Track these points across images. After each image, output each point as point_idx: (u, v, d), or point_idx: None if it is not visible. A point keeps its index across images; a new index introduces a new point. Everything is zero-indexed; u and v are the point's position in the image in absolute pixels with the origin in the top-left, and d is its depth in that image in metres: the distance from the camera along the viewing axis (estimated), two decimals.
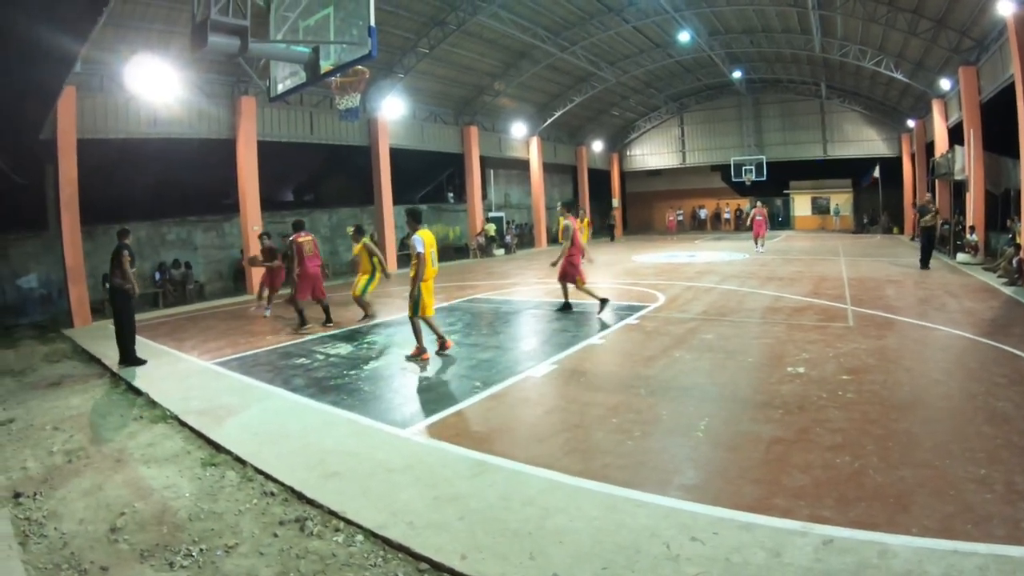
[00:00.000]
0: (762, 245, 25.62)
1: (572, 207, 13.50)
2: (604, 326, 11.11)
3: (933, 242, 17.52)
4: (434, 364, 9.00)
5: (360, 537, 4.26)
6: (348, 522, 4.45)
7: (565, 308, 12.84)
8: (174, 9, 15.89)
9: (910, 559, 3.56)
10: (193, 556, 4.17)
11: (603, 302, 12.17)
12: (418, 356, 9.34)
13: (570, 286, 12.79)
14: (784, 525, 3.98)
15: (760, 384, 7.18)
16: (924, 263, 17.80)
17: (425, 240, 9.10)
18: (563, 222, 12.64)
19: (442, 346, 9.61)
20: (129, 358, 10.10)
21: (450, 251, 31.58)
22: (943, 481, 4.48)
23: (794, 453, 5.12)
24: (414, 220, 9.33)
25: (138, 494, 5.24)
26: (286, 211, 26.55)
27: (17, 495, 5.35)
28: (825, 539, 3.78)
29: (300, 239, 12.51)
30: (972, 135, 20.26)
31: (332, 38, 8.24)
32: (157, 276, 20.06)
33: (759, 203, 26.78)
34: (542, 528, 4.13)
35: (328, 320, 12.64)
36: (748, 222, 26.60)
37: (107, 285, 10.70)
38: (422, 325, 9.36)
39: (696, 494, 4.50)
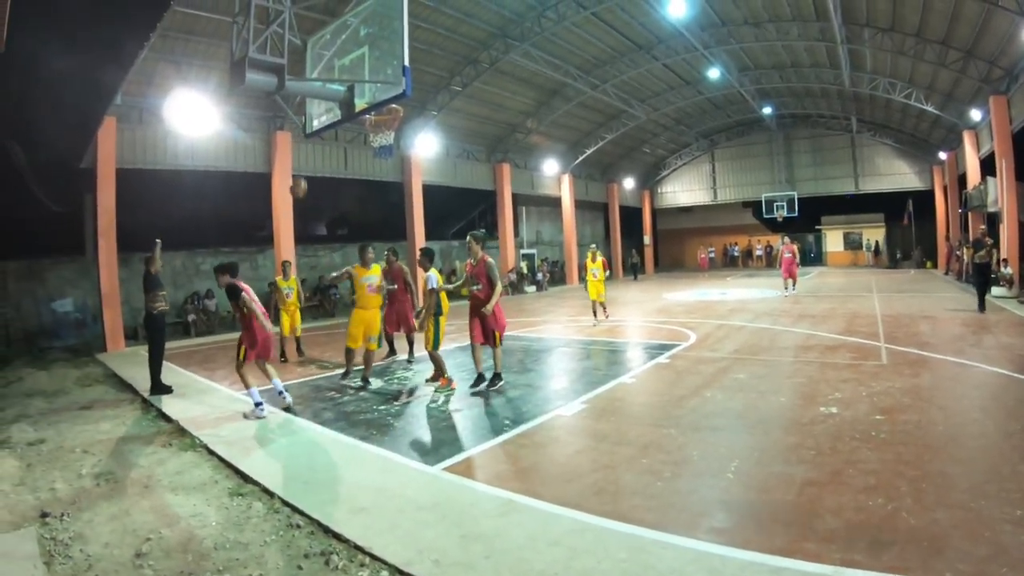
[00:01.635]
0: (793, 287, 23.50)
1: (482, 239, 9.74)
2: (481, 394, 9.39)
3: (988, 280, 16.63)
4: (464, 401, 8.98)
5: (385, 573, 4.23)
6: (373, 558, 4.41)
7: (495, 379, 9.64)
8: (212, 45, 16.31)
9: None
10: None
11: (479, 378, 9.54)
12: (447, 385, 9.65)
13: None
14: (815, 570, 3.88)
15: (792, 424, 7.06)
16: (982, 305, 15.74)
17: (438, 278, 9.81)
18: (483, 257, 9.49)
19: (435, 378, 10.02)
20: (154, 386, 10.28)
21: None
22: (978, 523, 4.37)
23: (826, 495, 5.01)
24: (428, 260, 9.99)
25: (164, 520, 5.27)
26: (319, 245, 26.90)
27: (44, 515, 5.41)
28: None
29: None
30: (1004, 166, 20.07)
31: (367, 77, 8.39)
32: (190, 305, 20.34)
33: (787, 239, 24.24)
34: (568, 569, 4.07)
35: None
36: (777, 260, 24.67)
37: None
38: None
39: (726, 537, 4.42)
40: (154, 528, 5.11)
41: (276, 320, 12.73)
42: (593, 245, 18.08)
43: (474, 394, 9.22)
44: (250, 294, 8.77)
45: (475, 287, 9.39)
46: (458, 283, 10.07)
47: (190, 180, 20.35)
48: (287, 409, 8.71)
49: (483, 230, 9.94)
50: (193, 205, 21.49)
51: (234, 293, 8.70)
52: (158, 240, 10.94)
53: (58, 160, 16.52)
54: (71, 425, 8.64)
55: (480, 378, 9.49)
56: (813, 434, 6.61)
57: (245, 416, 8.44)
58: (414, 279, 11.89)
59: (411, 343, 12.61)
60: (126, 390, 10.99)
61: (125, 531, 5.07)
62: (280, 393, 8.86)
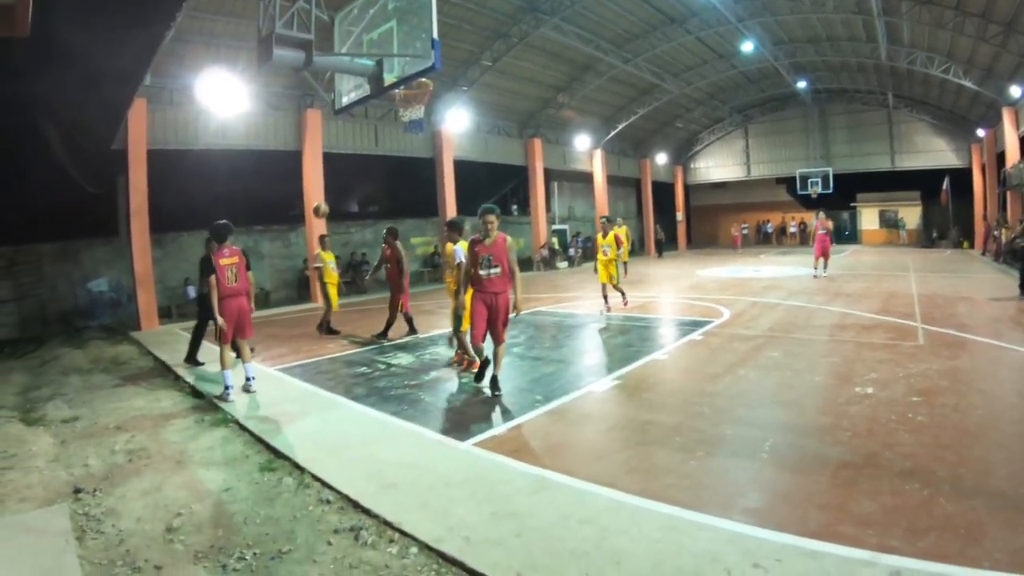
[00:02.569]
0: (825, 267, 20.82)
1: (456, 227, 9.74)
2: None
3: None
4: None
5: (414, 549, 4.22)
6: (403, 534, 4.42)
7: (484, 371, 8.34)
8: (241, 24, 16.34)
9: None
10: (246, 560, 4.20)
11: (486, 363, 8.26)
12: (469, 367, 9.37)
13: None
14: (851, 554, 3.80)
15: (827, 405, 6.95)
16: None
17: (465, 251, 8.80)
18: (501, 235, 7.92)
19: (466, 365, 9.50)
20: (189, 357, 10.72)
21: None
22: (1017, 511, 4.24)
23: (862, 478, 4.91)
24: (455, 231, 9.48)
25: (196, 496, 5.33)
26: (351, 222, 26.98)
27: (78, 491, 5.50)
28: (893, 571, 3.60)
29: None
30: None
31: (396, 51, 8.35)
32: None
33: (822, 215, 21.27)
34: (600, 548, 4.03)
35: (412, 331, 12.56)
36: (811, 238, 22.03)
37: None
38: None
39: (760, 518, 4.35)
40: (185, 503, 5.16)
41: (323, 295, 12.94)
42: (603, 217, 15.90)
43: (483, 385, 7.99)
44: (222, 270, 8.32)
45: (492, 271, 7.78)
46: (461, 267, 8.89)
47: (221, 160, 20.45)
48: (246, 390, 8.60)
49: (456, 218, 9.07)
50: (224, 184, 21.61)
51: (207, 271, 8.52)
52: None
53: (90, 142, 16.68)
54: (105, 402, 8.77)
55: (487, 362, 8.09)
56: (849, 415, 6.49)
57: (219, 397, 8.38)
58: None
59: (411, 321, 12.56)
60: (160, 368, 11.13)
61: (157, 506, 5.13)
62: (250, 379, 8.76)
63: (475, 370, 8.61)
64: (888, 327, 11.39)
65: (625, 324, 13.11)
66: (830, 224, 21.12)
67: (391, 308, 12.37)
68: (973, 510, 4.31)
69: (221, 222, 8.56)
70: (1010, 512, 4.24)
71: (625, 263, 20.88)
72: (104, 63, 11.12)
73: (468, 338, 8.79)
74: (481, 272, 7.76)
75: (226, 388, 8.30)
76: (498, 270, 7.77)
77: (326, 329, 13.12)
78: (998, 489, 4.61)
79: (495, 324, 7.86)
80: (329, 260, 13.23)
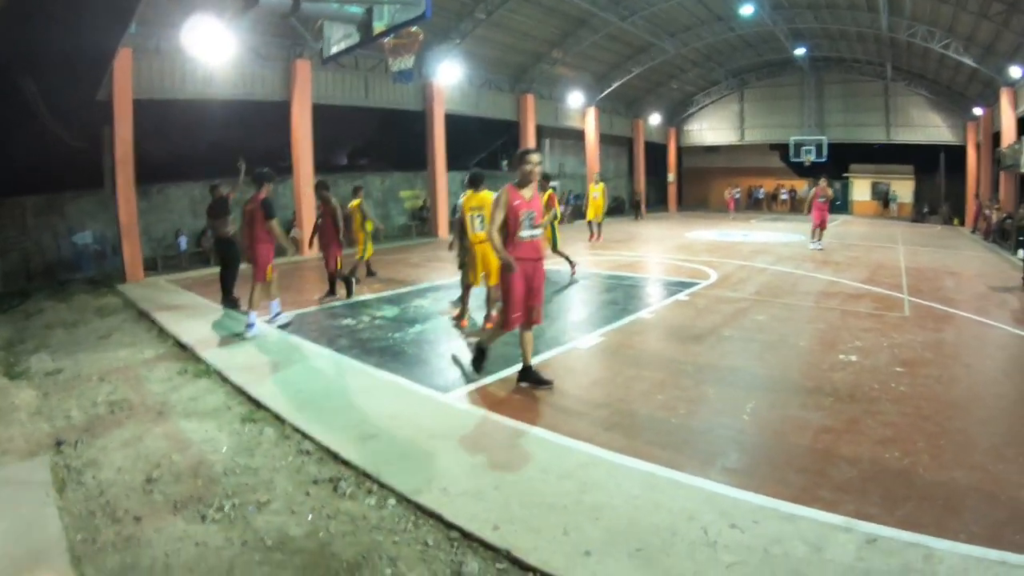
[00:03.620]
0: (819, 238, 19.45)
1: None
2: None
3: None
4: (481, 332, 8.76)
5: (392, 501, 4.23)
6: (382, 485, 4.42)
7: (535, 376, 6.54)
8: None
9: (956, 566, 3.38)
10: (225, 510, 4.19)
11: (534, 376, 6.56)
12: (457, 321, 9.32)
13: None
14: (828, 519, 3.82)
15: (810, 370, 6.98)
16: None
17: (463, 204, 8.49)
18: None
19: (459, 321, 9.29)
20: (225, 298, 11.13)
21: None
22: (996, 486, 4.26)
23: (842, 444, 4.94)
24: (477, 185, 8.62)
25: (176, 446, 5.30)
26: (340, 174, 26.73)
27: (59, 443, 5.45)
28: (869, 537, 3.63)
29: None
30: None
31: None
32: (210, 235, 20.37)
33: (823, 181, 19.86)
34: (579, 503, 4.05)
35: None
36: (807, 205, 20.24)
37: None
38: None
39: (738, 479, 4.37)
40: (166, 454, 5.15)
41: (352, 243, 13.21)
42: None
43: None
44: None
45: (535, 232, 6.23)
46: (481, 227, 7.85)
47: (208, 110, 20.07)
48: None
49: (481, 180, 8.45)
50: (211, 135, 21.30)
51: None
52: (242, 162, 11.29)
53: (75, 94, 16.36)
54: (89, 354, 8.67)
55: (530, 373, 6.56)
56: (831, 380, 6.53)
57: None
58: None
59: (334, 281, 11.89)
60: (144, 319, 11.00)
61: (137, 457, 5.11)
62: (249, 325, 9.11)
63: (465, 326, 8.77)
64: (874, 297, 11.42)
65: (611, 282, 13.11)
66: (830, 192, 20.14)
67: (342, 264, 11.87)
68: (953, 481, 4.35)
69: (257, 170, 9.47)
70: (989, 486, 4.27)
71: (599, 224, 21.83)
72: (88, 13, 10.89)
73: (494, 311, 8.47)
74: (523, 234, 6.09)
75: (276, 314, 9.65)
76: (540, 231, 6.30)
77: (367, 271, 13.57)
78: (979, 463, 4.63)
79: (535, 301, 6.33)
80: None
